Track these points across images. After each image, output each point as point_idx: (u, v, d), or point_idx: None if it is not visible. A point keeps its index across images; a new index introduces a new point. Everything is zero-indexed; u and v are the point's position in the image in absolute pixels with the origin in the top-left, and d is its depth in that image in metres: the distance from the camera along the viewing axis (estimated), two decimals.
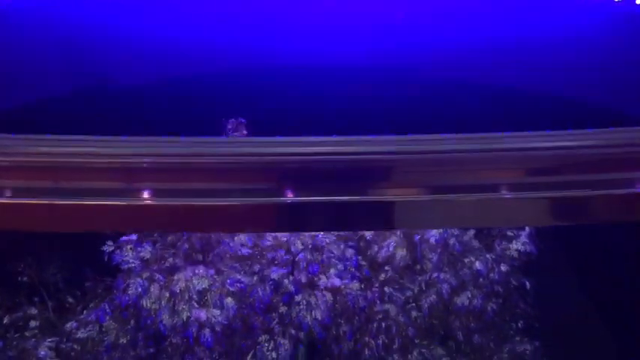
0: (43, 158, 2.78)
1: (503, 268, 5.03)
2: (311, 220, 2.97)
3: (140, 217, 2.79)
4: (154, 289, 3.67)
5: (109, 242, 3.85)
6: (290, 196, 2.77)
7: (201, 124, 4.30)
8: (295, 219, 2.96)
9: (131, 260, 3.77)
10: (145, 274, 3.69)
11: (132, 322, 3.72)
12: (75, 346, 4.13)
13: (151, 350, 3.76)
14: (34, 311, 4.86)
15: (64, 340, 4.25)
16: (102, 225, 2.97)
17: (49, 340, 4.52)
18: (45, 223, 2.86)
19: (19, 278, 5.62)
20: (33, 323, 4.81)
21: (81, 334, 4.03)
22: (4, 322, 4.81)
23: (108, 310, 3.68)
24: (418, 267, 5.25)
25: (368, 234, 5.33)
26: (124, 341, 3.75)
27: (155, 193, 2.76)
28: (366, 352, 4.38)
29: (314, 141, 2.81)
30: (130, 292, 3.62)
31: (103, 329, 3.82)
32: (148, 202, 2.71)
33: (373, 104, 5.07)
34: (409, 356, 4.58)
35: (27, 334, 4.73)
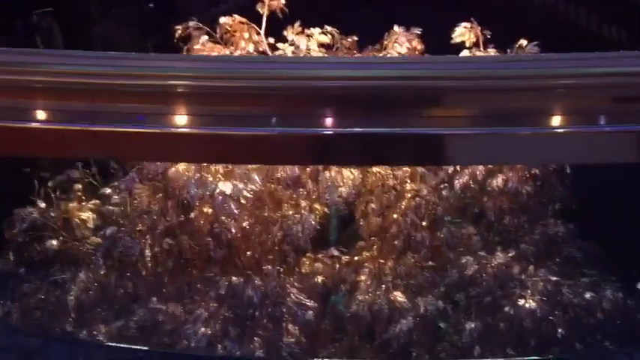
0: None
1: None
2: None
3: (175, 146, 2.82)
4: None
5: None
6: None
7: None
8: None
9: None
10: None
11: (161, 191, 3.82)
12: (113, 209, 4.34)
13: (181, 218, 3.88)
14: (77, 175, 5.08)
15: (104, 204, 4.48)
16: (134, 152, 3.03)
17: (91, 203, 4.75)
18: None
19: None
20: (76, 186, 5.04)
21: (114, 199, 4.23)
22: (50, 184, 5.06)
23: (136, 178, 3.78)
24: None
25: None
26: (155, 208, 3.88)
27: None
28: (394, 228, 4.41)
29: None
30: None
31: (135, 196, 3.97)
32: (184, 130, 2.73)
33: None
34: (438, 233, 4.59)
35: (71, 196, 4.99)
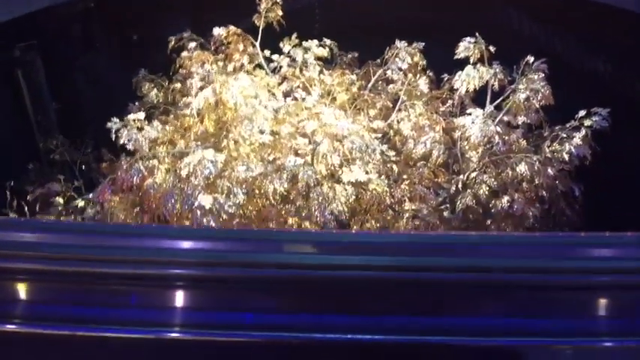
0: None
1: (551, 171, 4.57)
2: None
3: None
4: (158, 170, 3.46)
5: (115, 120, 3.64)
6: None
7: None
8: None
9: (135, 138, 3.55)
10: (150, 155, 3.46)
11: (136, 203, 3.54)
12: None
13: None
14: (57, 188, 4.84)
15: (78, 218, 4.20)
16: None
17: (66, 217, 4.48)
18: None
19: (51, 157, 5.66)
20: (57, 200, 4.80)
21: (87, 213, 3.95)
22: (29, 198, 4.81)
23: (109, 190, 3.50)
24: (456, 166, 4.89)
25: (405, 130, 4.96)
26: (131, 223, 3.58)
27: None
28: None
29: None
30: (131, 172, 3.41)
31: (108, 209, 3.69)
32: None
33: None
34: None
35: (51, 210, 4.74)
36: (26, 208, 4.35)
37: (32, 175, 5.61)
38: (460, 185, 4.64)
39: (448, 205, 4.61)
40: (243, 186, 3.47)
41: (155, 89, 5.60)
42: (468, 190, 4.63)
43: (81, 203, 4.08)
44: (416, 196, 4.30)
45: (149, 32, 6.38)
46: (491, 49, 5.03)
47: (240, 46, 5.05)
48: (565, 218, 4.96)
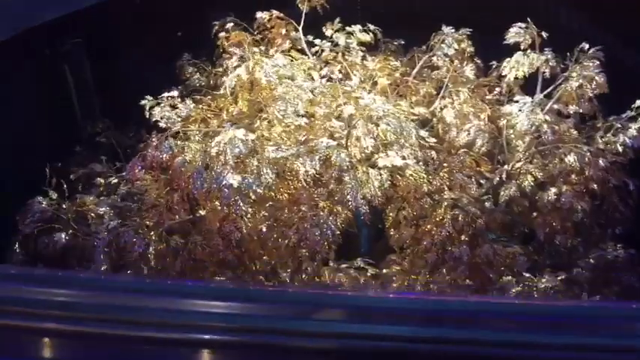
0: None
1: (602, 163, 4.32)
2: None
3: None
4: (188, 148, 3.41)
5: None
6: None
7: None
8: None
9: (167, 116, 3.51)
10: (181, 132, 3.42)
11: (166, 182, 3.51)
12: (124, 203, 4.07)
13: (189, 215, 3.54)
14: (99, 168, 4.91)
15: (109, 194, 4.23)
16: None
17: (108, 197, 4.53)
18: None
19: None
20: (99, 180, 4.86)
21: (121, 190, 3.95)
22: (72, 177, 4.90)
23: (139, 167, 3.48)
24: (501, 157, 4.68)
25: (448, 117, 4.79)
26: (162, 201, 3.56)
27: None
28: (427, 241, 3.94)
29: None
30: (161, 148, 3.38)
31: (142, 187, 3.67)
32: None
33: None
34: (478, 250, 4.08)
35: (92, 189, 4.80)
36: (65, 187, 4.40)
37: (79, 158, 5.73)
38: (504, 176, 4.45)
39: (491, 196, 4.42)
40: (274, 167, 3.39)
41: (198, 73, 5.62)
42: (513, 181, 4.43)
43: (114, 181, 4.09)
44: (456, 185, 4.13)
45: (196, 17, 6.42)
46: (544, 35, 4.83)
47: (283, 31, 4.98)
48: (618, 214, 4.69)
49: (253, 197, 3.30)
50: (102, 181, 4.91)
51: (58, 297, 2.26)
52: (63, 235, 4.23)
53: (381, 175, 3.60)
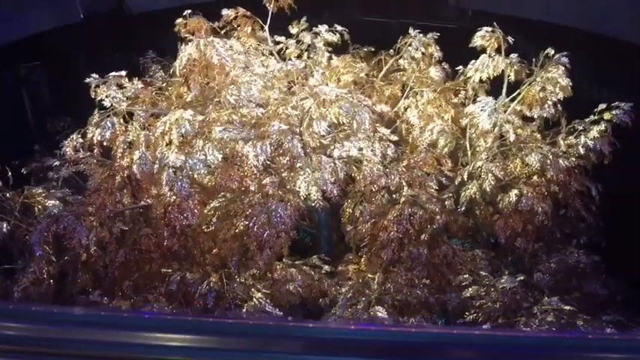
0: None
1: (563, 164, 4.24)
2: None
3: None
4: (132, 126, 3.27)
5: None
6: None
7: None
8: None
9: (113, 95, 3.37)
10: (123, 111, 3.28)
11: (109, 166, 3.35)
12: (75, 197, 3.90)
13: (133, 200, 3.38)
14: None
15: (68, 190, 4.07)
16: None
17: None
18: None
19: None
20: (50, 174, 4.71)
21: (62, 173, 3.77)
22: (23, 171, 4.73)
23: (78, 146, 3.32)
24: (465, 159, 4.60)
25: (411, 116, 4.71)
26: (105, 185, 3.40)
27: None
28: (383, 237, 3.81)
29: None
30: (102, 125, 3.23)
31: (83, 168, 3.51)
32: None
33: None
34: (437, 251, 3.97)
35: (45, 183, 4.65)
36: (10, 176, 4.22)
37: (37, 155, 5.57)
38: (466, 176, 4.35)
39: (452, 195, 4.32)
40: (221, 149, 3.26)
41: (162, 70, 5.50)
42: (474, 182, 4.33)
43: (56, 163, 3.91)
44: (415, 182, 4.03)
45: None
46: (510, 40, 4.79)
47: (249, 29, 4.89)
48: (581, 220, 4.60)
49: (197, 177, 3.14)
50: (54, 175, 4.75)
51: (8, 331, 2.11)
52: (4, 225, 4.02)
53: (335, 164, 3.46)
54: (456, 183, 4.38)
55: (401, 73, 5.00)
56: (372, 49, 5.44)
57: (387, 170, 3.75)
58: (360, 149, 3.64)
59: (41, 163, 4.96)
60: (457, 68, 4.98)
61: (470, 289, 3.84)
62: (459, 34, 5.16)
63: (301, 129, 3.41)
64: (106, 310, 3.34)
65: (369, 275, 3.98)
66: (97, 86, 3.48)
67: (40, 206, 4.29)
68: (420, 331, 2.73)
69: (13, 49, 5.81)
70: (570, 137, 4.43)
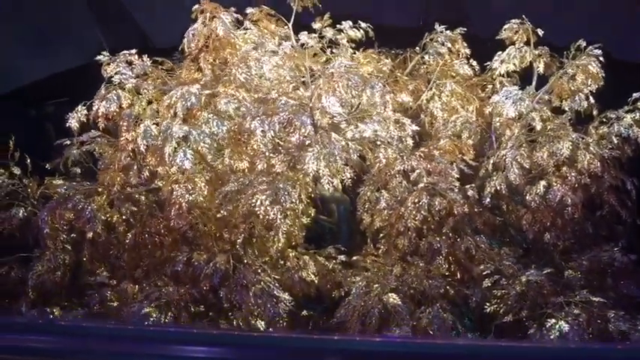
0: None
1: (593, 150, 4.01)
2: None
3: None
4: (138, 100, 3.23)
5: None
6: None
7: None
8: None
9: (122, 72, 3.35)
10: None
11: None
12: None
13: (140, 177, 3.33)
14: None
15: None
16: None
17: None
18: None
19: None
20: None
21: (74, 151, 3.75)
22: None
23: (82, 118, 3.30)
24: (491, 152, 4.40)
25: (434, 108, 4.57)
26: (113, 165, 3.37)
27: None
28: (400, 226, 3.66)
29: None
30: (108, 97, 3.20)
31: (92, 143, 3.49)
32: None
33: None
34: (459, 241, 3.78)
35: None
36: (29, 163, 4.23)
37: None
38: (490, 167, 4.16)
39: (474, 186, 4.12)
40: (225, 120, 3.18)
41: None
42: (499, 173, 4.13)
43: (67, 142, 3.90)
44: (435, 169, 3.86)
45: None
46: (539, 32, 4.62)
47: (272, 26, 4.86)
48: (618, 220, 4.33)
49: (201, 149, 3.06)
50: (78, 170, 4.76)
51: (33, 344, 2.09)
52: (21, 211, 4.03)
53: (347, 144, 3.35)
54: (480, 175, 4.19)
55: (425, 66, 4.88)
56: (400, 52, 5.35)
57: (403, 154, 3.59)
58: (375, 131, 3.50)
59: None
60: (485, 64, 4.83)
61: (490, 278, 3.62)
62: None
63: (311, 104, 3.30)
64: (132, 324, 3.29)
65: (387, 267, 3.81)
66: (108, 64, 3.48)
67: (58, 196, 4.30)
68: (447, 342, 2.60)
69: (45, 84, 5.88)
70: (603, 127, 4.20)
